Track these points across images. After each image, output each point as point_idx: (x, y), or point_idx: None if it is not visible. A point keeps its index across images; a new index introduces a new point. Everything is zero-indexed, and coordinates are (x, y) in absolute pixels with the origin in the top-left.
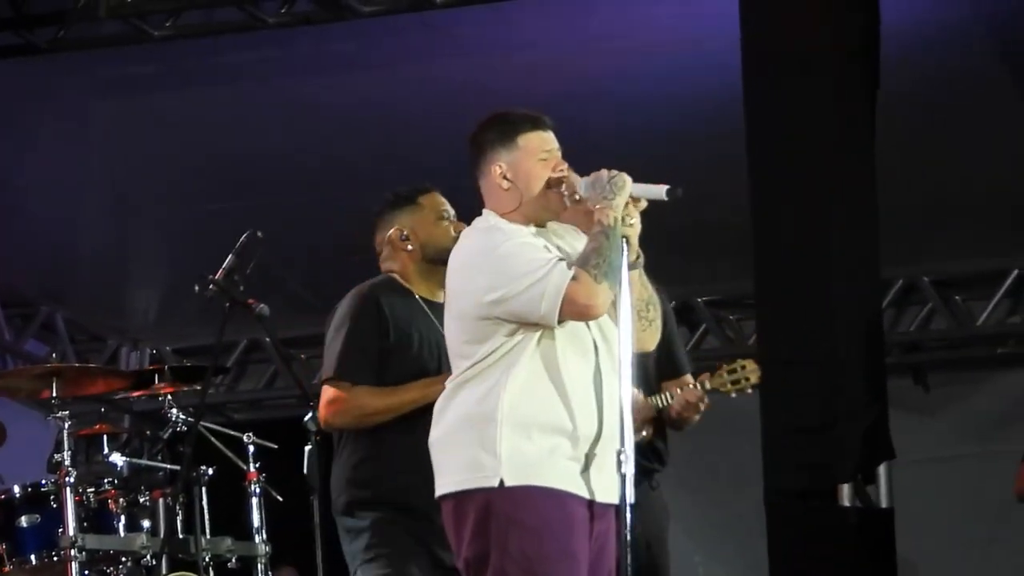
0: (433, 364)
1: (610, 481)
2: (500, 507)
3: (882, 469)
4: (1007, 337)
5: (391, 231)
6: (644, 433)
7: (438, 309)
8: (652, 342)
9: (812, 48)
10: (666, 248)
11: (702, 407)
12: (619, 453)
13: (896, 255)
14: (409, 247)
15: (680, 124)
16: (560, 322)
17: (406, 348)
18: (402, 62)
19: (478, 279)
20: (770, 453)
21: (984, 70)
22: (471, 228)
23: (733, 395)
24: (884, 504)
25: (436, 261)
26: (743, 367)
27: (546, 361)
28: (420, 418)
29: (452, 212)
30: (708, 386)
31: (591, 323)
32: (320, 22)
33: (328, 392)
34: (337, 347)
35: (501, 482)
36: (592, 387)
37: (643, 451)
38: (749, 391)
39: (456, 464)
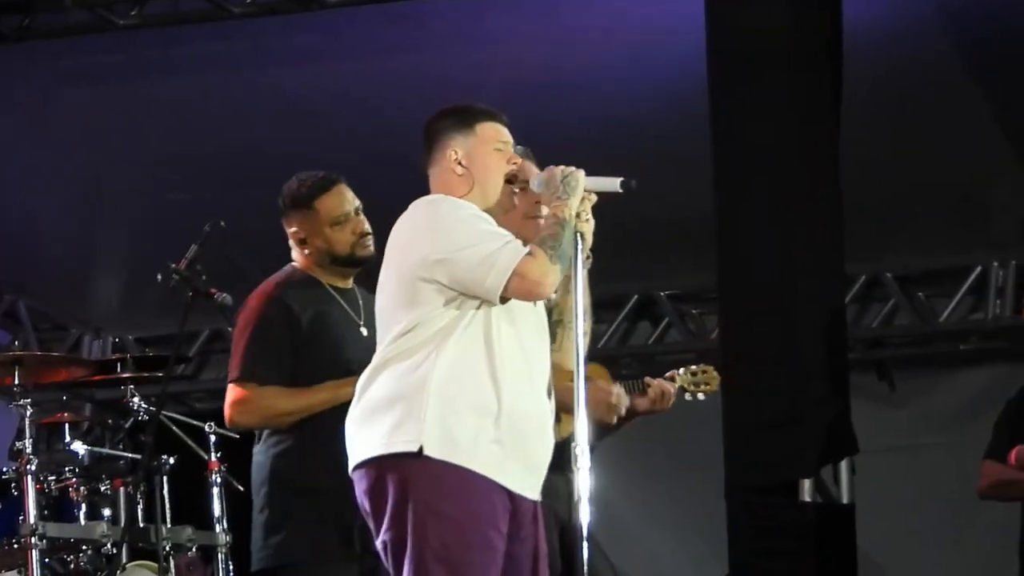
0: (350, 352)
1: (537, 474)
2: (417, 488)
3: (844, 465)
4: (970, 334)
5: (290, 232)
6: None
7: (348, 295)
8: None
9: (776, 44)
10: (629, 242)
11: (671, 403)
12: (574, 448)
13: (859, 251)
14: (306, 251)
15: (646, 118)
16: (503, 299)
17: (320, 337)
18: (367, 54)
19: (425, 239)
20: (732, 448)
21: (948, 67)
22: (419, 200)
23: (688, 396)
24: (845, 500)
25: (336, 264)
26: (704, 372)
27: (480, 340)
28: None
29: (352, 208)
30: (677, 383)
31: (528, 312)
32: (286, 12)
33: (234, 392)
34: (241, 348)
35: (420, 449)
36: (525, 373)
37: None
38: (701, 397)
39: (377, 432)
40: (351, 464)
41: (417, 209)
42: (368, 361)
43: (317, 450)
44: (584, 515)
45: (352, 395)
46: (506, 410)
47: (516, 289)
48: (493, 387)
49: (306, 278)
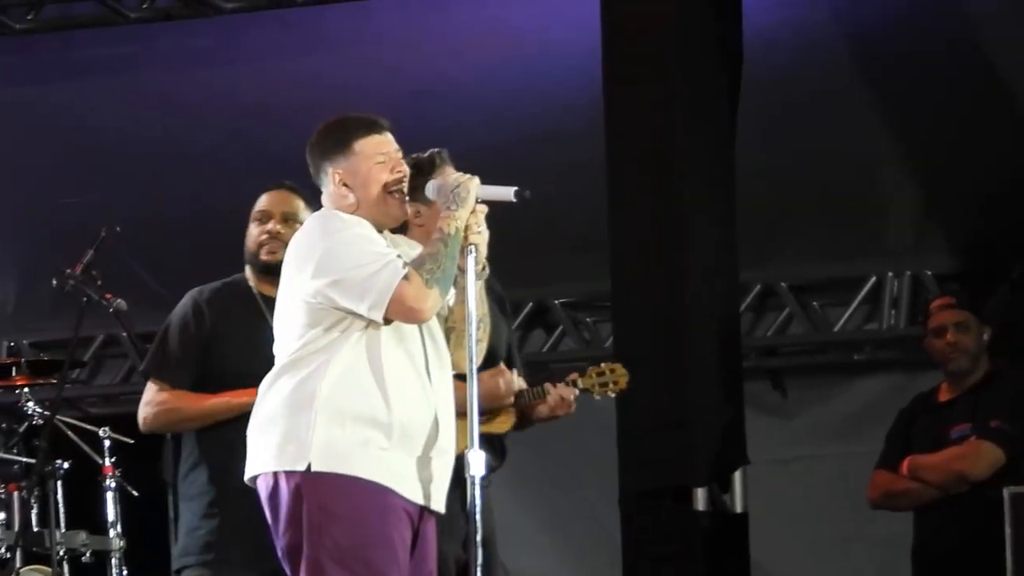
0: (259, 359)
1: (435, 486)
2: (310, 495)
3: (737, 474)
4: (864, 343)
5: None
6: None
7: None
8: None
9: (670, 49)
10: (522, 249)
11: (573, 407)
12: (465, 455)
13: (754, 260)
14: None
15: (538, 125)
16: (386, 320)
17: (227, 341)
18: (262, 58)
19: (310, 262)
20: (624, 452)
21: (840, 73)
22: (313, 215)
23: (597, 397)
24: (739, 508)
25: (249, 264)
26: (612, 370)
27: (369, 354)
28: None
29: (274, 210)
30: (580, 385)
31: (422, 331)
32: (181, 18)
33: (148, 392)
34: (154, 345)
35: (308, 466)
36: (417, 385)
37: (493, 448)
38: (612, 395)
39: (269, 445)
40: (247, 474)
41: (308, 227)
42: None
43: (214, 463)
44: (477, 526)
45: (250, 405)
46: (397, 422)
47: (395, 313)
48: (382, 399)
49: (239, 283)
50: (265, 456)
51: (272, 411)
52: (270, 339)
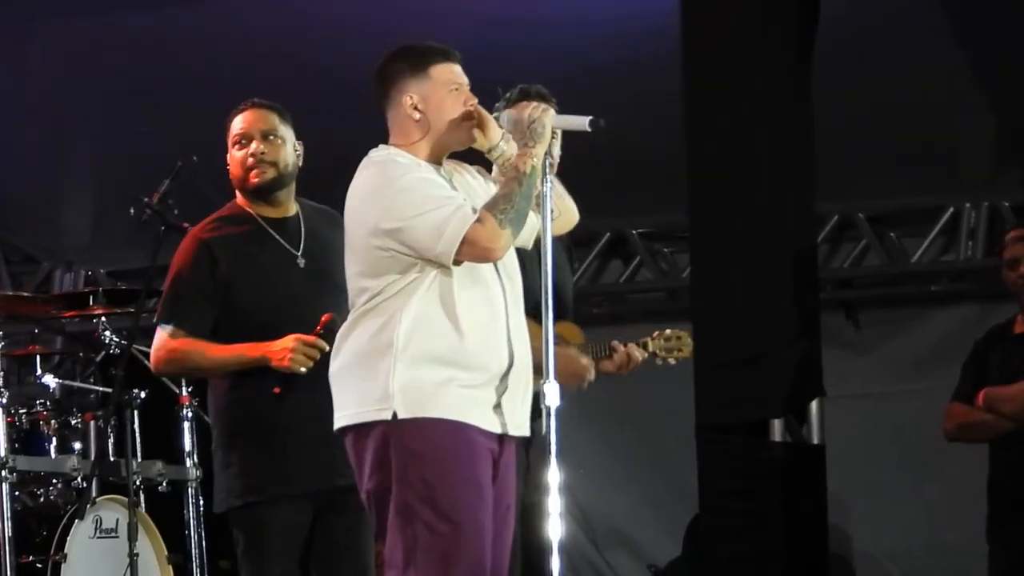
0: (280, 290)
1: (518, 415)
2: (397, 439)
3: (814, 405)
4: (941, 275)
5: None
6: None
7: (285, 225)
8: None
9: None
10: (600, 179)
11: (637, 367)
12: (542, 387)
13: (831, 191)
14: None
15: (616, 56)
16: (457, 263)
17: (243, 280)
18: None
19: (375, 210)
20: (701, 387)
21: (918, 4)
22: (368, 159)
23: (659, 362)
24: (815, 440)
25: (241, 192)
26: (679, 338)
27: (442, 295)
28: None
29: (254, 131)
30: (649, 348)
31: (497, 270)
32: None
33: (159, 338)
34: (166, 290)
35: (394, 415)
36: (493, 321)
37: None
38: (673, 362)
39: (351, 397)
40: (336, 425)
41: (366, 173)
42: (305, 294)
43: (257, 391)
44: (554, 458)
45: (265, 361)
46: (476, 360)
47: (467, 255)
48: (459, 338)
49: (239, 213)
50: (350, 407)
51: (351, 361)
52: (287, 265)
